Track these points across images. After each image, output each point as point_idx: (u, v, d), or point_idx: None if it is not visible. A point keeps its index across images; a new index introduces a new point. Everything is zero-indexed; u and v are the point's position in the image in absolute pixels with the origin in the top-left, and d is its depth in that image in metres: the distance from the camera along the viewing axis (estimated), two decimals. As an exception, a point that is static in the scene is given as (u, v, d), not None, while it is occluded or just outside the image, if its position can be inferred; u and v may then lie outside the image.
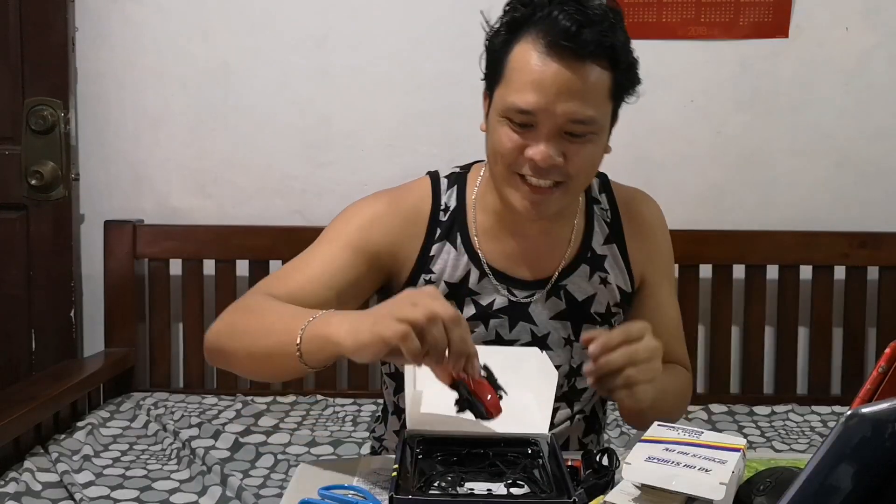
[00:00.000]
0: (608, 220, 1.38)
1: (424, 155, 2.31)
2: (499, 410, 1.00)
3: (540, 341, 1.34)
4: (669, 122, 2.33)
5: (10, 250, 2.30)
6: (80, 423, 1.97)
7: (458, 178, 1.37)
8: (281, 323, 1.13)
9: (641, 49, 2.31)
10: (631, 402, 1.11)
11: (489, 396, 1.00)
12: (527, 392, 1.14)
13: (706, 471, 0.89)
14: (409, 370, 1.11)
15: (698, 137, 2.34)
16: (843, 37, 2.30)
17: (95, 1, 2.31)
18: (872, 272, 2.30)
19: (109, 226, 2.29)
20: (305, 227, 2.25)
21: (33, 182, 2.26)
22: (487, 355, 1.22)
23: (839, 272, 2.30)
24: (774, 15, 2.29)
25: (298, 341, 1.07)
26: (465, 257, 1.33)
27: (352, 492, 1.00)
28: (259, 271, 2.28)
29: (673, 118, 2.33)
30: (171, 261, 2.32)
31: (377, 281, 1.34)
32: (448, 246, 1.33)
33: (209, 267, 2.32)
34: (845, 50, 2.30)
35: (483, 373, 1.01)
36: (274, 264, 2.29)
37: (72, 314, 2.31)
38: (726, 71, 2.32)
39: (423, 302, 0.97)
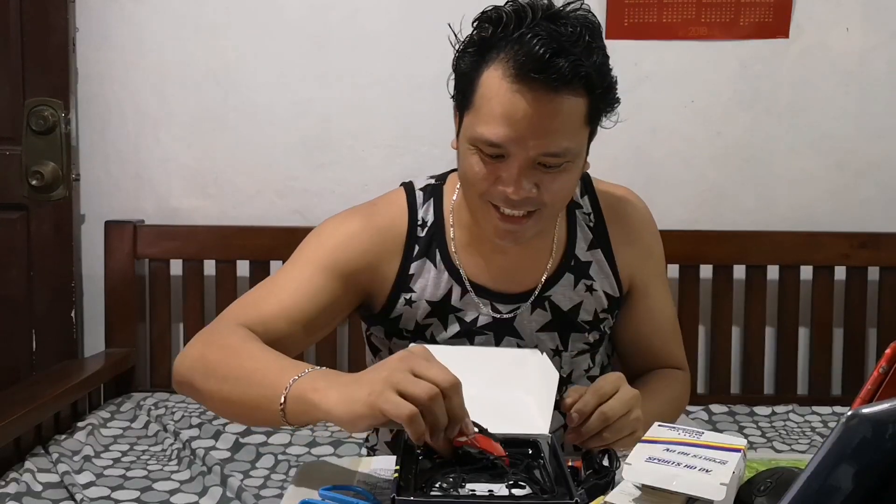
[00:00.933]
0: (591, 224, 1.35)
1: (425, 155, 2.32)
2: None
3: None
4: (670, 123, 2.33)
5: (10, 251, 2.30)
6: (80, 424, 1.97)
7: (434, 191, 1.33)
8: (262, 375, 1.07)
9: (642, 49, 2.34)
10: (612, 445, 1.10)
11: (495, 446, 0.97)
12: (527, 393, 1.13)
13: (707, 471, 0.89)
14: None
15: (699, 138, 2.34)
16: (843, 37, 2.30)
17: (96, 1, 2.31)
18: (873, 272, 2.30)
19: (110, 226, 2.29)
20: (306, 228, 2.23)
21: (34, 182, 2.26)
22: (488, 357, 1.22)
23: (839, 272, 2.30)
24: (775, 15, 2.29)
25: (283, 401, 1.01)
26: (446, 274, 1.30)
27: (353, 492, 1.00)
28: (259, 272, 2.28)
29: (673, 118, 2.33)
30: (172, 261, 2.32)
31: (355, 301, 1.30)
32: (428, 263, 1.30)
33: (210, 267, 2.32)
34: (846, 50, 2.30)
35: (475, 428, 0.97)
36: (274, 265, 2.29)
37: (72, 314, 2.31)
38: (727, 71, 2.32)
39: (422, 371, 0.92)
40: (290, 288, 1.25)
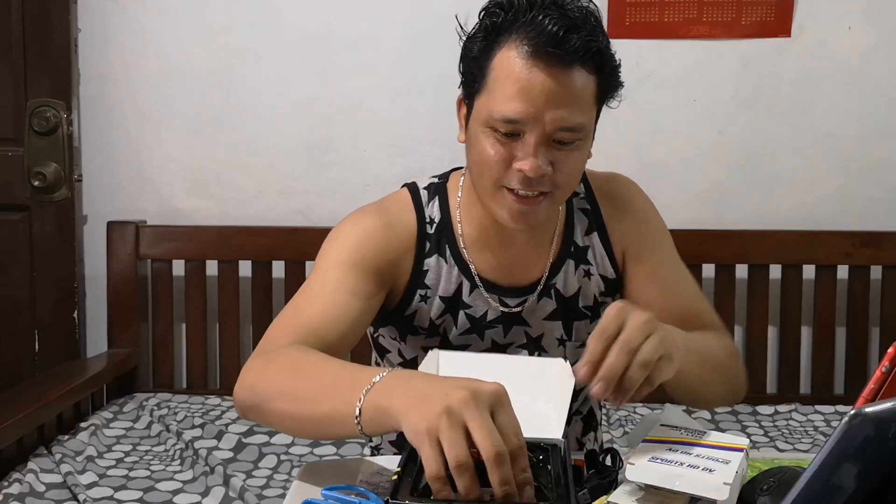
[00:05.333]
0: (586, 208, 1.35)
1: (427, 155, 2.32)
2: None
3: (534, 342, 1.33)
4: (671, 122, 2.33)
5: (13, 251, 2.31)
6: (83, 424, 1.97)
7: (439, 189, 1.34)
8: (332, 388, 1.02)
9: (644, 49, 2.34)
10: (650, 387, 1.00)
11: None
12: (544, 400, 1.13)
13: (710, 471, 0.89)
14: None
15: (700, 137, 2.34)
16: (845, 36, 2.30)
17: (98, 2, 2.31)
18: (875, 272, 2.30)
19: (112, 227, 2.29)
20: (308, 228, 2.26)
21: (36, 183, 2.27)
22: (510, 364, 1.21)
23: (842, 272, 2.30)
24: (776, 14, 2.29)
25: (358, 414, 0.95)
26: (456, 269, 1.31)
27: (355, 492, 1.00)
28: (262, 272, 2.29)
29: (675, 118, 2.33)
30: (174, 261, 2.32)
31: (383, 296, 1.29)
32: (440, 259, 1.31)
33: (212, 267, 2.32)
34: (847, 49, 2.30)
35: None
36: (276, 265, 2.29)
37: (75, 315, 2.32)
38: (728, 70, 2.32)
39: (473, 431, 0.84)
40: (326, 292, 1.22)
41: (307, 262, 2.25)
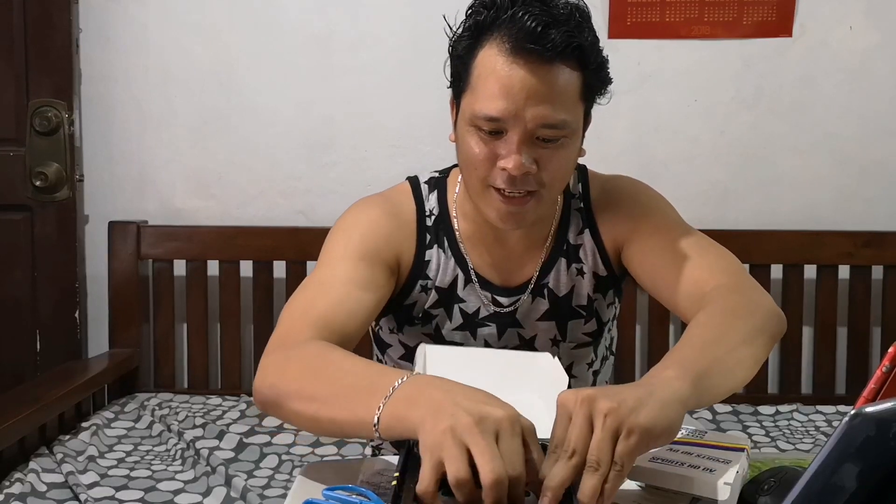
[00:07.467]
0: (581, 207, 1.35)
1: (427, 155, 2.31)
2: None
3: (528, 344, 1.33)
4: (673, 122, 2.33)
5: (14, 251, 2.31)
6: (84, 424, 1.97)
7: (438, 183, 1.36)
8: (352, 392, 1.00)
9: (645, 49, 2.34)
10: (626, 467, 0.85)
11: None
12: (537, 396, 1.13)
13: (711, 471, 0.89)
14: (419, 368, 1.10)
15: (701, 137, 2.34)
16: (846, 36, 2.30)
17: (99, 2, 2.31)
18: (877, 271, 2.30)
19: (114, 227, 2.29)
20: (309, 228, 2.26)
21: (38, 183, 2.27)
22: (497, 358, 1.21)
23: (843, 272, 2.30)
24: (778, 14, 2.28)
25: (376, 422, 0.94)
26: (452, 261, 1.32)
27: (356, 493, 1.00)
28: (263, 272, 2.29)
29: (676, 117, 2.33)
30: (175, 261, 2.32)
31: (392, 284, 1.30)
32: (439, 250, 1.32)
33: (213, 268, 2.32)
34: (849, 49, 2.30)
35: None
36: (278, 265, 2.29)
37: (76, 315, 2.32)
38: (730, 70, 2.31)
39: (476, 454, 0.83)
40: (338, 284, 1.22)
41: (308, 262, 2.25)
